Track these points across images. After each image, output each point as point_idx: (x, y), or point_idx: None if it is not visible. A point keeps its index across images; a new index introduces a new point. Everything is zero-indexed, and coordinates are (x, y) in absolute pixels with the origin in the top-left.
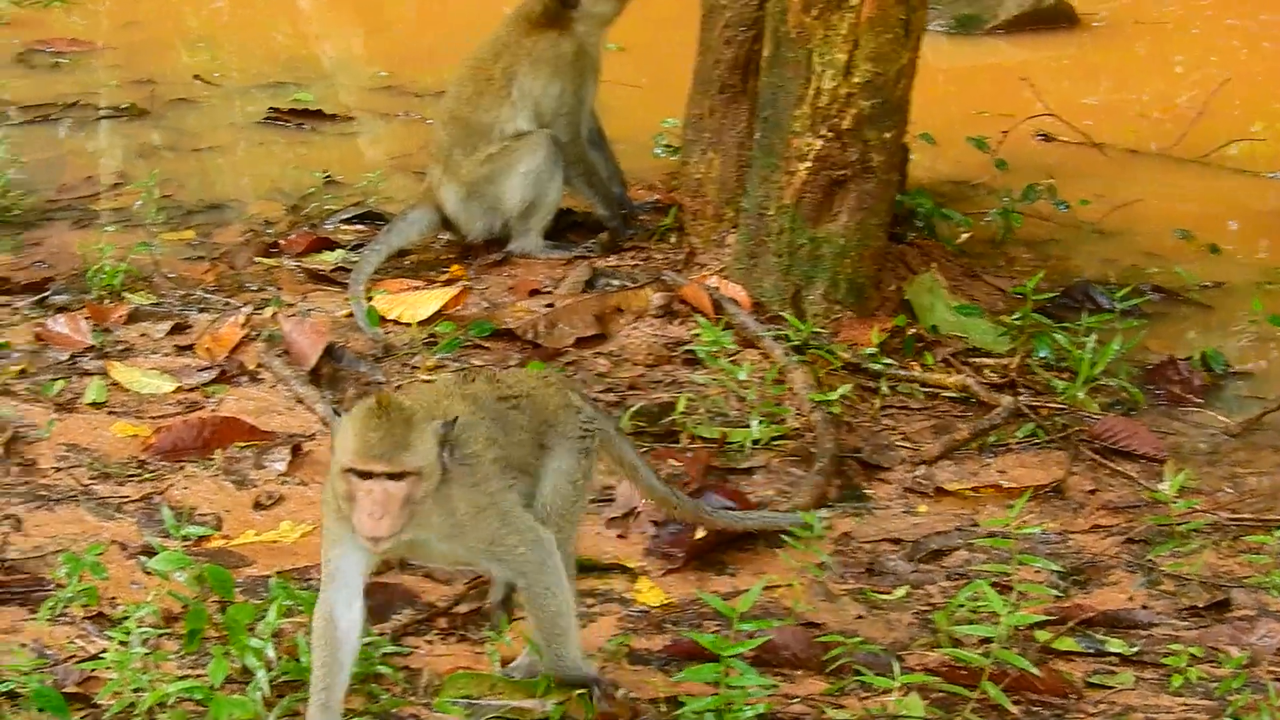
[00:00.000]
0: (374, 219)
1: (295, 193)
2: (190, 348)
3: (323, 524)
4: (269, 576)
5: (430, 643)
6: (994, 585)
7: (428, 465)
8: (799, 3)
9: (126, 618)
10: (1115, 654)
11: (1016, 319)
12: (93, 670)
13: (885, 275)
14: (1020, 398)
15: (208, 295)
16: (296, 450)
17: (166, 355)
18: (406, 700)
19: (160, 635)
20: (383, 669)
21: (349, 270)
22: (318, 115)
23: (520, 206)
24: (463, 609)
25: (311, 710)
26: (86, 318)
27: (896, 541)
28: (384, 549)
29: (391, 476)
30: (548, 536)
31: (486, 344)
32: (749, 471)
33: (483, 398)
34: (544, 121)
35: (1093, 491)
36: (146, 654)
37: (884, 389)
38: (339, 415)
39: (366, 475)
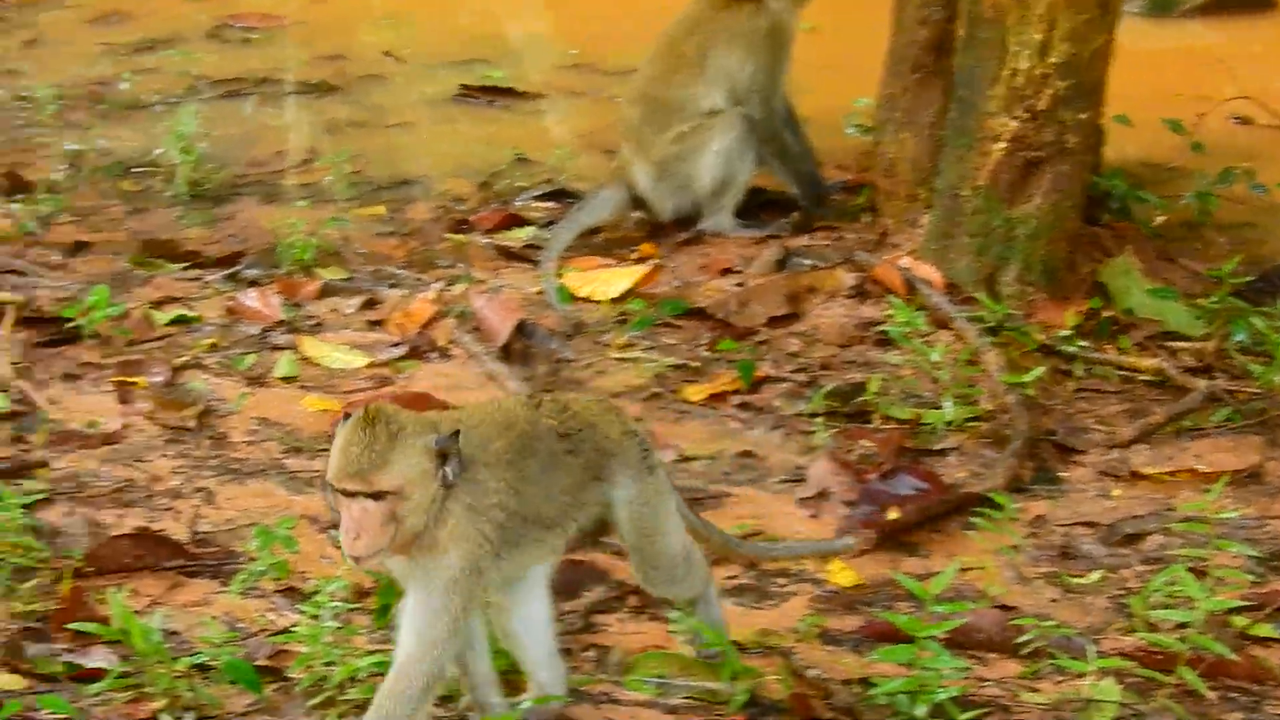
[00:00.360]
0: (564, 196)
1: (484, 169)
2: (381, 323)
3: None
4: None
5: (621, 620)
6: (1190, 570)
7: (408, 484)
8: None
9: (317, 592)
10: None
11: (1213, 302)
12: (284, 643)
13: (1079, 258)
14: (1216, 382)
15: (398, 271)
16: None
17: (357, 330)
18: (596, 678)
19: (351, 610)
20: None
21: (539, 247)
22: (508, 93)
23: (712, 185)
24: None
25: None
26: (277, 293)
27: (1091, 525)
28: (368, 567)
29: (370, 495)
30: (436, 657)
31: (678, 322)
32: (942, 453)
33: (535, 432)
34: (737, 99)
35: None
36: (337, 628)
37: (1079, 371)
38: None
39: (346, 493)
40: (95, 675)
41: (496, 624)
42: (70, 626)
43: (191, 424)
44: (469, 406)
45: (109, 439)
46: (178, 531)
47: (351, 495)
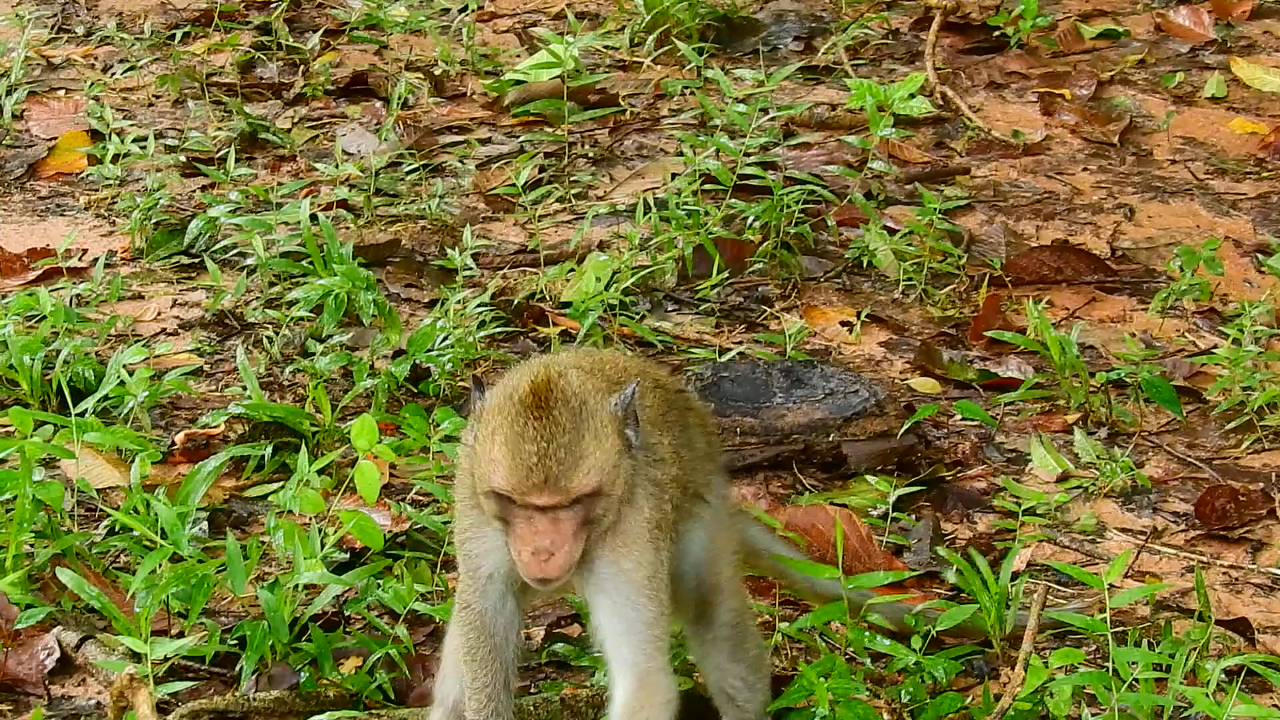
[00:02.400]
0: None
1: None
2: None
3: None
4: None
5: None
6: None
7: (608, 476)
8: None
9: (1239, 315)
10: None
11: None
12: (1202, 365)
13: None
14: None
15: None
16: None
17: None
18: None
19: (1271, 335)
20: None
21: None
22: None
23: None
24: None
25: None
26: (1209, 11)
27: None
28: (554, 588)
29: (567, 506)
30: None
31: None
32: None
33: (665, 388)
34: None
35: None
36: (1258, 353)
37: None
38: (480, 389)
39: (536, 509)
40: (1009, 384)
41: None
42: (986, 334)
43: (1115, 139)
44: (581, 353)
45: (1031, 150)
46: (1097, 246)
47: (543, 510)
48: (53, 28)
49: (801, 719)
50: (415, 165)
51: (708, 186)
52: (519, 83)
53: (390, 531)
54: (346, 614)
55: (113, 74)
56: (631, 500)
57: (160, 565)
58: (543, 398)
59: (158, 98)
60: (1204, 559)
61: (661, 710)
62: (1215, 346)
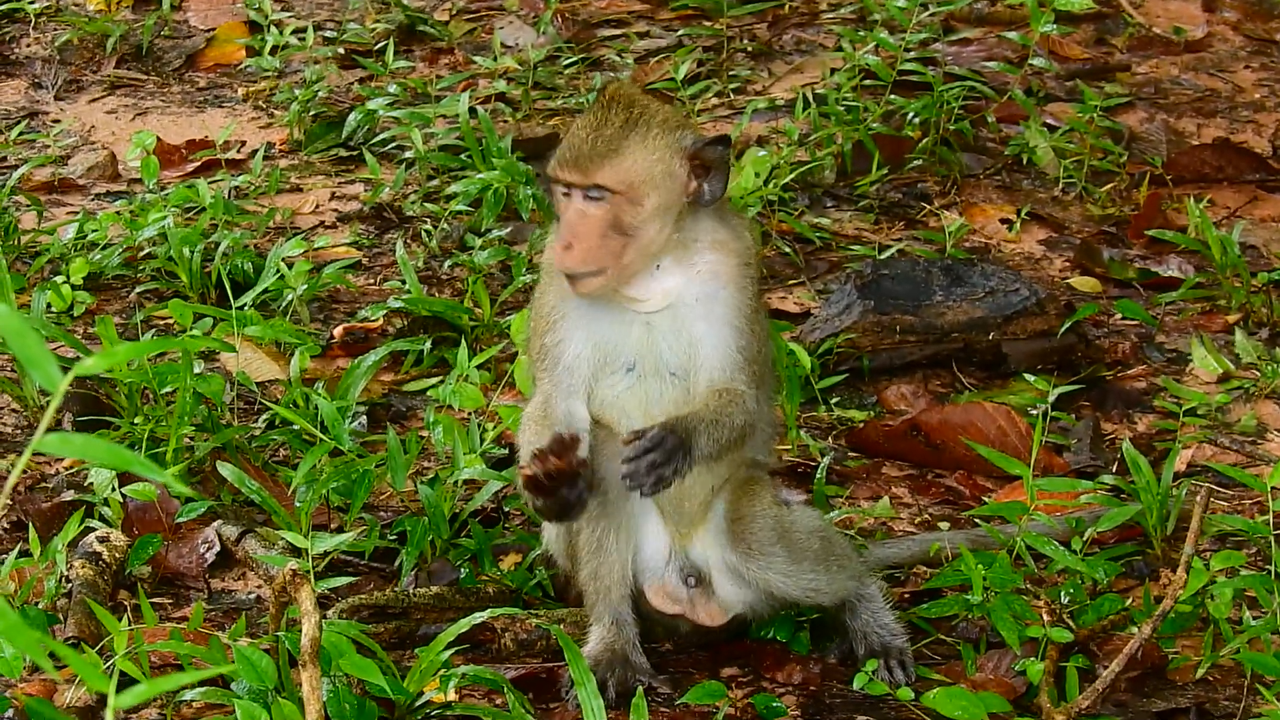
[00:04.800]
0: None
1: None
2: None
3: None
4: None
5: None
6: None
7: (640, 183)
8: None
9: None
10: None
11: None
12: None
13: None
14: None
15: None
16: None
17: None
18: None
19: None
20: None
21: None
22: None
23: None
24: None
25: None
26: None
27: None
28: (585, 294)
29: (588, 192)
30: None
31: None
32: None
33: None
34: None
35: None
36: None
37: None
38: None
39: (566, 187)
40: (1169, 284)
41: None
42: (1146, 233)
43: (1277, 36)
44: None
45: (1192, 46)
46: (1258, 145)
47: (569, 190)
48: None
49: (953, 605)
50: (573, 59)
51: (867, 82)
52: None
53: None
54: (505, 510)
55: None
56: (689, 251)
57: (320, 460)
58: (608, 98)
59: None
60: None
61: (736, 407)
62: None
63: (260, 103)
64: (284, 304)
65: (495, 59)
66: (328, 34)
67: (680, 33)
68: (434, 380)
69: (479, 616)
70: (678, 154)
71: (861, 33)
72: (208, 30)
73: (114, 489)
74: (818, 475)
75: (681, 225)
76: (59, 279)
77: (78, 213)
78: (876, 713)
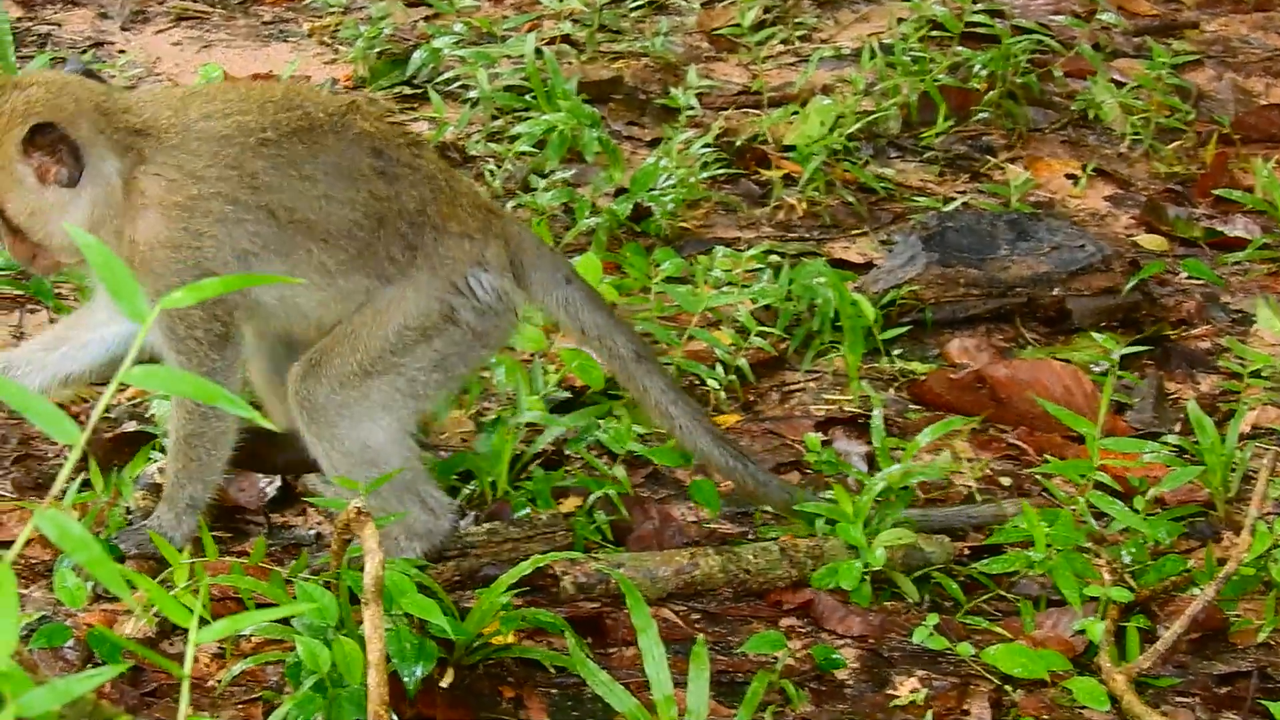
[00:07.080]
0: None
1: None
2: None
3: None
4: None
5: None
6: None
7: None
8: None
9: None
10: None
11: None
12: None
13: None
14: None
15: None
16: None
17: None
18: None
19: None
20: None
21: None
22: None
23: None
24: None
25: None
26: None
27: None
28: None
29: None
30: (222, 370)
31: None
32: None
33: (332, 127)
34: None
35: None
36: None
37: None
38: None
39: None
40: (1236, 243)
41: None
42: (1213, 192)
43: None
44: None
45: (1262, 5)
46: None
47: None
48: None
49: (1014, 561)
50: (640, 2)
51: (934, 33)
52: None
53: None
54: (566, 453)
55: None
56: (128, 215)
57: None
58: None
59: None
60: None
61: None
62: None
63: (325, 38)
64: None
65: (561, 0)
66: None
67: None
68: None
69: (540, 560)
70: (15, 149)
71: None
72: None
73: None
74: (873, 424)
75: None
76: None
77: None
78: (935, 667)
